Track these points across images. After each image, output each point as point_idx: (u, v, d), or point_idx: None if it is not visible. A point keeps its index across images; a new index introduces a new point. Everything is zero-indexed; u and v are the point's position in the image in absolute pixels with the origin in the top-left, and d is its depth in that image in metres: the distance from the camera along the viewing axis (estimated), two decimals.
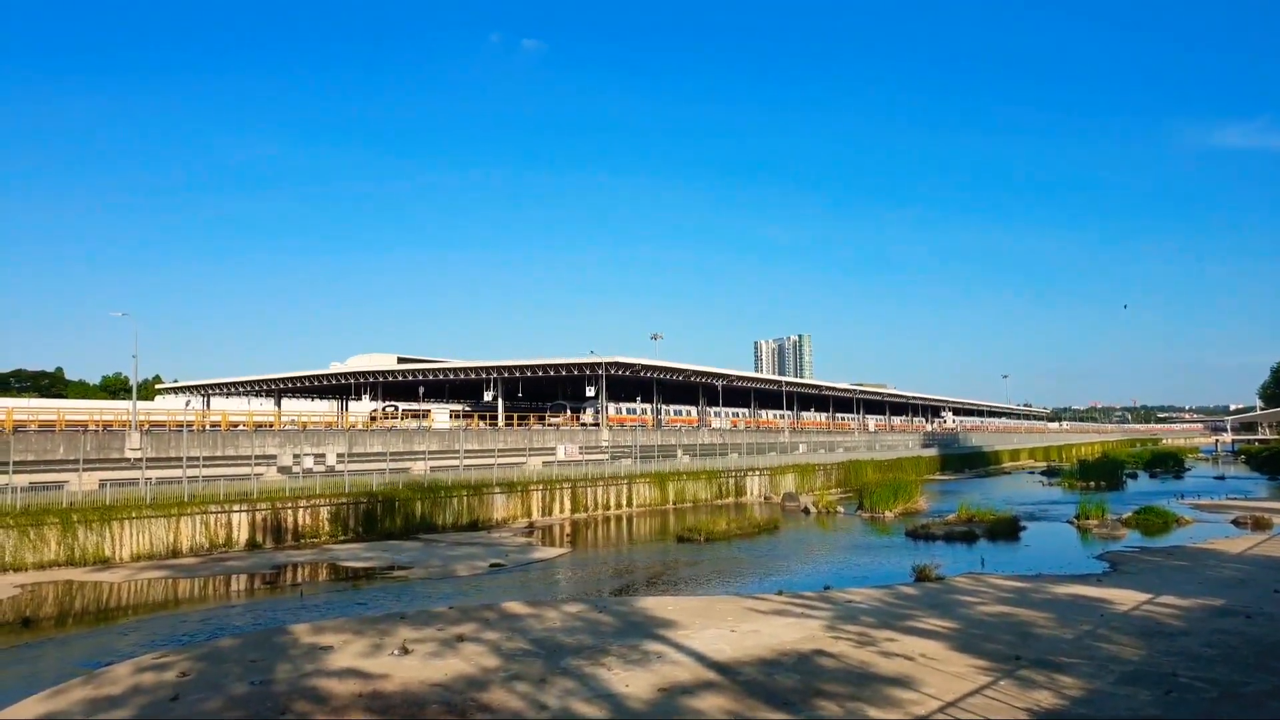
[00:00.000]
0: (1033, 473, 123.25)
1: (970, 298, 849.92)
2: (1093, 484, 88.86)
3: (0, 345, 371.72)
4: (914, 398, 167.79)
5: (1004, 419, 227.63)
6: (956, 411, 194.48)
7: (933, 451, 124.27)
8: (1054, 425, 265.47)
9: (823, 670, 18.85)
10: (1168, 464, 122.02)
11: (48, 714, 17.13)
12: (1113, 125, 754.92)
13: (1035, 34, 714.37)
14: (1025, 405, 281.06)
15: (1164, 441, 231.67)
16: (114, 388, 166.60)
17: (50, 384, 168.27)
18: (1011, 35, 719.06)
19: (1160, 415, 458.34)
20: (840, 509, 65.85)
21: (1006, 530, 50.57)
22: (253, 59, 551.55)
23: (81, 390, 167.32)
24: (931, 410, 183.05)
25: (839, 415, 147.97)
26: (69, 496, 41.46)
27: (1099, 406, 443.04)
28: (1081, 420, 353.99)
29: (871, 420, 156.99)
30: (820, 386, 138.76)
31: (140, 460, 50.16)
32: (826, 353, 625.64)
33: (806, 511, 65.82)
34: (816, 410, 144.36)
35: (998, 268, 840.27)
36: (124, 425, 55.34)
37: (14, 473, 43.70)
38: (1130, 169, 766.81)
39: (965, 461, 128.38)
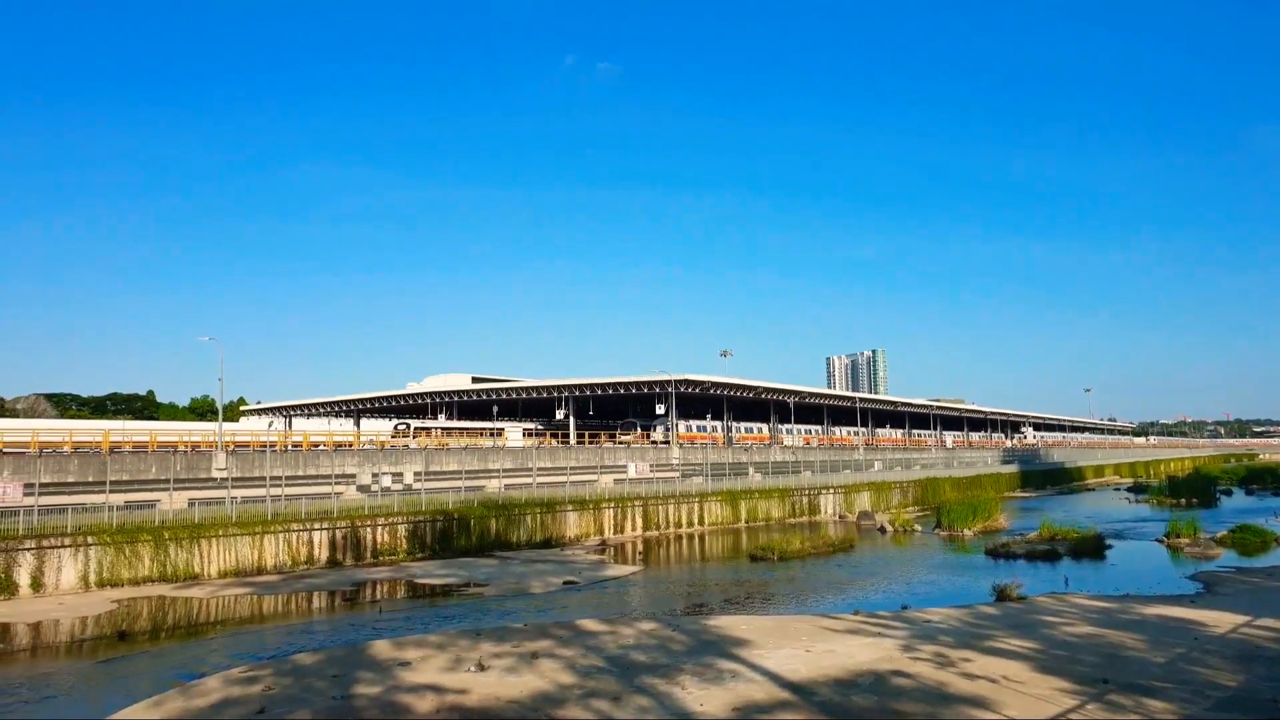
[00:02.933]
0: (1118, 489, 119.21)
1: (1050, 310, 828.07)
2: (1183, 501, 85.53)
3: (97, 370, 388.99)
4: (992, 413, 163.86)
5: (1087, 434, 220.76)
6: (1037, 426, 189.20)
7: (1012, 468, 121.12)
8: (1140, 440, 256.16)
9: (900, 691, 18.51)
10: (1265, 480, 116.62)
11: None
12: (1195, 133, 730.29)
13: (1110, 48, 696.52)
14: (1109, 419, 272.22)
15: (1261, 457, 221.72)
16: (201, 409, 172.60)
17: (142, 406, 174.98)
18: (1084, 50, 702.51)
19: (1256, 429, 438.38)
20: (917, 527, 64.62)
21: (1091, 549, 49.01)
22: (335, 86, 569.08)
23: (171, 412, 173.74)
24: (1011, 425, 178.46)
25: (915, 432, 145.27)
26: (160, 515, 43.01)
27: (1189, 420, 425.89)
28: (1170, 435, 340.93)
29: (949, 436, 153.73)
30: (895, 402, 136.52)
31: (226, 480, 51.82)
32: (901, 368, 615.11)
33: (882, 530, 64.74)
34: (891, 427, 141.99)
35: (1078, 280, 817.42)
36: (211, 446, 57.30)
37: (110, 492, 45.60)
38: (1216, 174, 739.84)
39: (1046, 478, 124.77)
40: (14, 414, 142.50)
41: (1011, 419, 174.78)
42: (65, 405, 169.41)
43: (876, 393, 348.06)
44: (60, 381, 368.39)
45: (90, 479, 47.67)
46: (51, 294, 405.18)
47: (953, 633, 25.09)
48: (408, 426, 79.06)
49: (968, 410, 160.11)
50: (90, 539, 37.87)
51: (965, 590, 36.82)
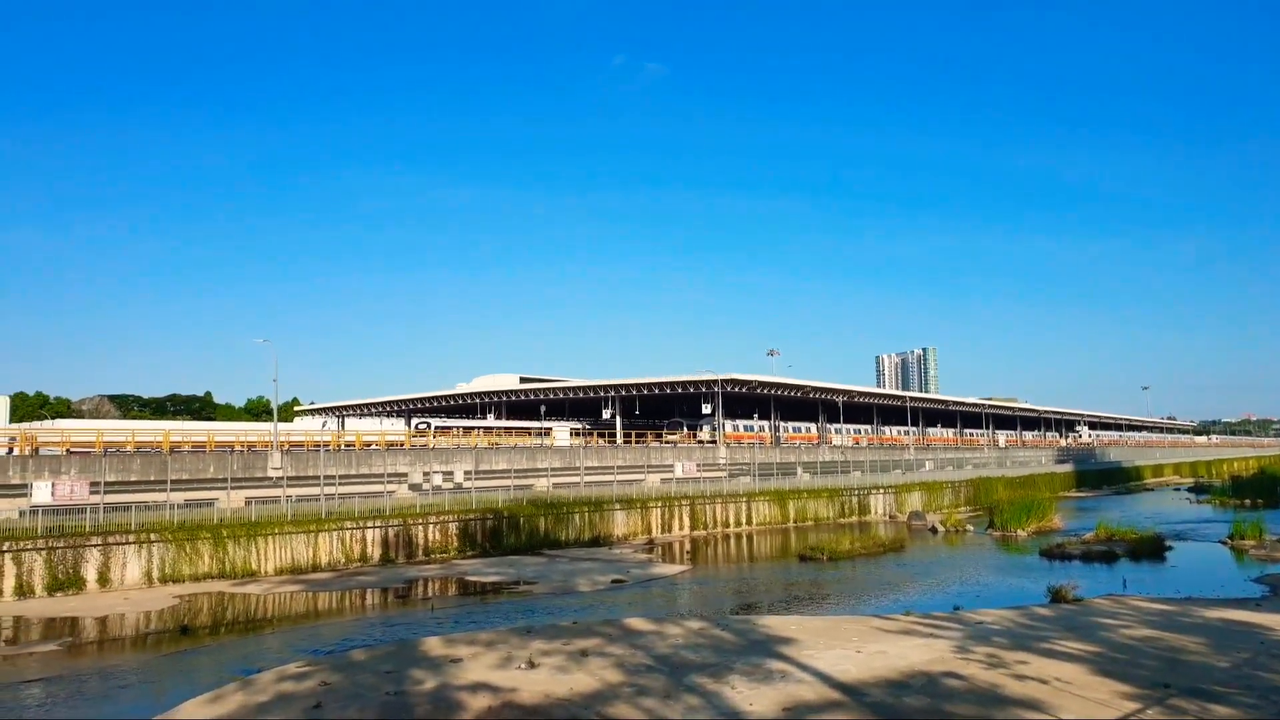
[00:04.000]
0: (1178, 489, 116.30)
1: (1106, 307, 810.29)
2: (1248, 502, 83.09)
3: (157, 372, 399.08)
4: (1046, 411, 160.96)
5: (1145, 433, 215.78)
6: (1092, 425, 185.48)
7: (1067, 467, 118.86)
8: (1201, 439, 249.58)
9: (952, 693, 18.30)
10: None
11: (209, 717, 18.24)
12: (1254, 126, 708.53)
13: (1160, 48, 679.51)
14: (1168, 418, 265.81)
15: None
16: (257, 410, 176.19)
17: (200, 407, 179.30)
18: (1138, 49, 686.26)
19: None
20: (969, 528, 63.76)
21: (1150, 550, 47.95)
22: (382, 88, 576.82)
23: (228, 413, 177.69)
24: (1065, 424, 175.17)
25: (967, 431, 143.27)
26: (219, 513, 44.04)
27: (1253, 419, 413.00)
28: (1233, 434, 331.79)
29: (1001, 436, 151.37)
30: (946, 401, 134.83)
31: (282, 479, 52.85)
32: (952, 366, 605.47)
33: (934, 530, 63.97)
34: (943, 426, 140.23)
35: (1136, 276, 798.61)
36: (266, 445, 58.47)
37: (171, 490, 46.79)
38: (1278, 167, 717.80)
39: (1103, 478, 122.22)
40: (80, 415, 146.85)
41: (1066, 418, 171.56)
42: (128, 406, 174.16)
43: (927, 391, 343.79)
44: (122, 383, 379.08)
45: (152, 478, 48.98)
46: (114, 298, 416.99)
47: (1006, 634, 24.73)
48: (428, 425, 79.73)
49: (1021, 409, 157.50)
50: (153, 536, 38.93)
51: (1019, 591, 36.26)
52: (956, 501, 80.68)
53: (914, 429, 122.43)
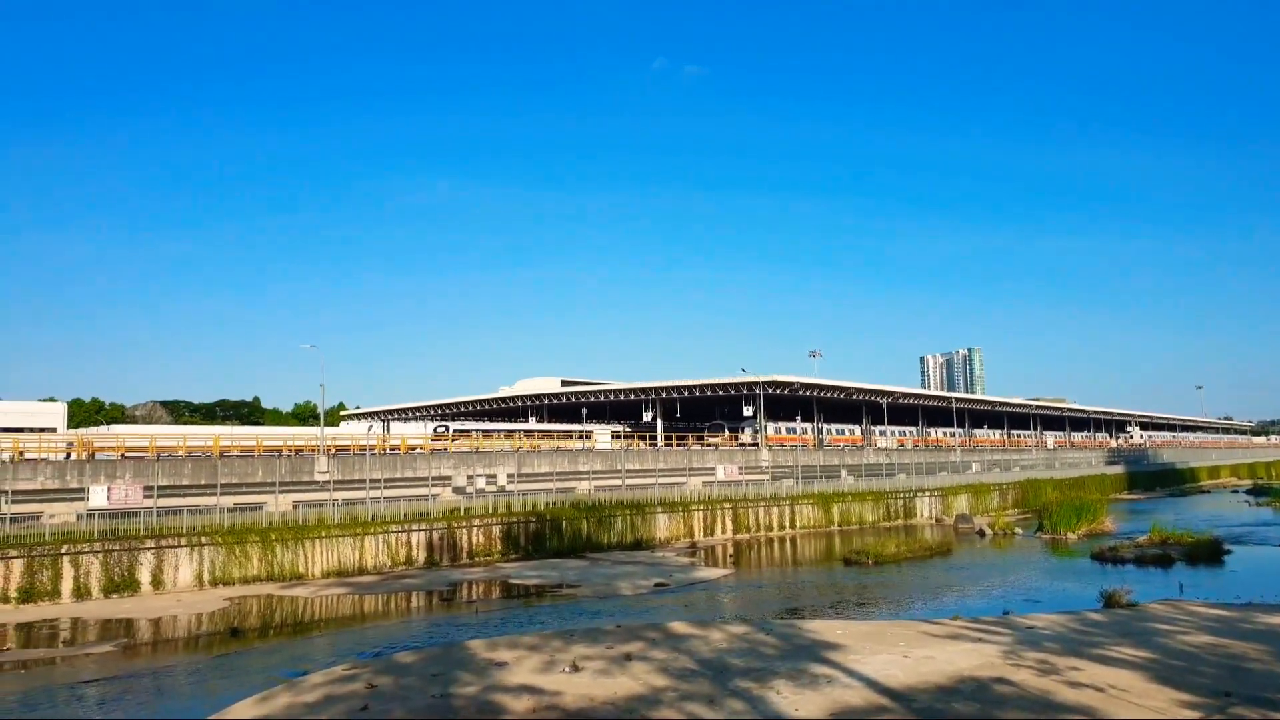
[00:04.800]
0: (1236, 491, 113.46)
1: (1156, 304, 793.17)
2: None
3: (207, 378, 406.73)
4: (1096, 412, 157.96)
5: (1199, 433, 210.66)
6: (1144, 426, 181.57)
7: (1119, 469, 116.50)
8: (1260, 439, 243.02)
9: (1003, 699, 17.95)
10: None
11: (258, 717, 18.48)
12: None
13: (1214, 47, 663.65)
14: (1224, 418, 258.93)
15: None
16: (304, 414, 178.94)
17: (249, 412, 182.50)
18: (1192, 46, 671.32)
19: None
20: (1018, 531, 62.72)
21: (1208, 553, 46.70)
22: (420, 91, 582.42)
23: (276, 417, 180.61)
24: (1116, 425, 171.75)
25: (1014, 432, 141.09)
26: (267, 517, 44.71)
27: None
28: None
29: (1050, 437, 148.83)
30: (993, 402, 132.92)
31: (328, 482, 53.55)
32: (998, 367, 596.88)
33: (981, 534, 63.03)
34: (989, 427, 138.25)
35: (1188, 273, 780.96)
36: (313, 450, 59.32)
37: (221, 494, 47.63)
38: None
39: (1156, 479, 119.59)
40: (133, 420, 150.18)
41: (1116, 418, 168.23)
42: (179, 412, 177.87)
43: (973, 392, 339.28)
44: (174, 389, 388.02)
45: (202, 482, 49.90)
46: (166, 306, 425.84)
47: (1058, 639, 24.22)
48: (446, 429, 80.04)
49: (1069, 409, 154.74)
50: (204, 539, 39.62)
51: (1070, 596, 35.55)
52: (1004, 504, 79.43)
53: (960, 430, 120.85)
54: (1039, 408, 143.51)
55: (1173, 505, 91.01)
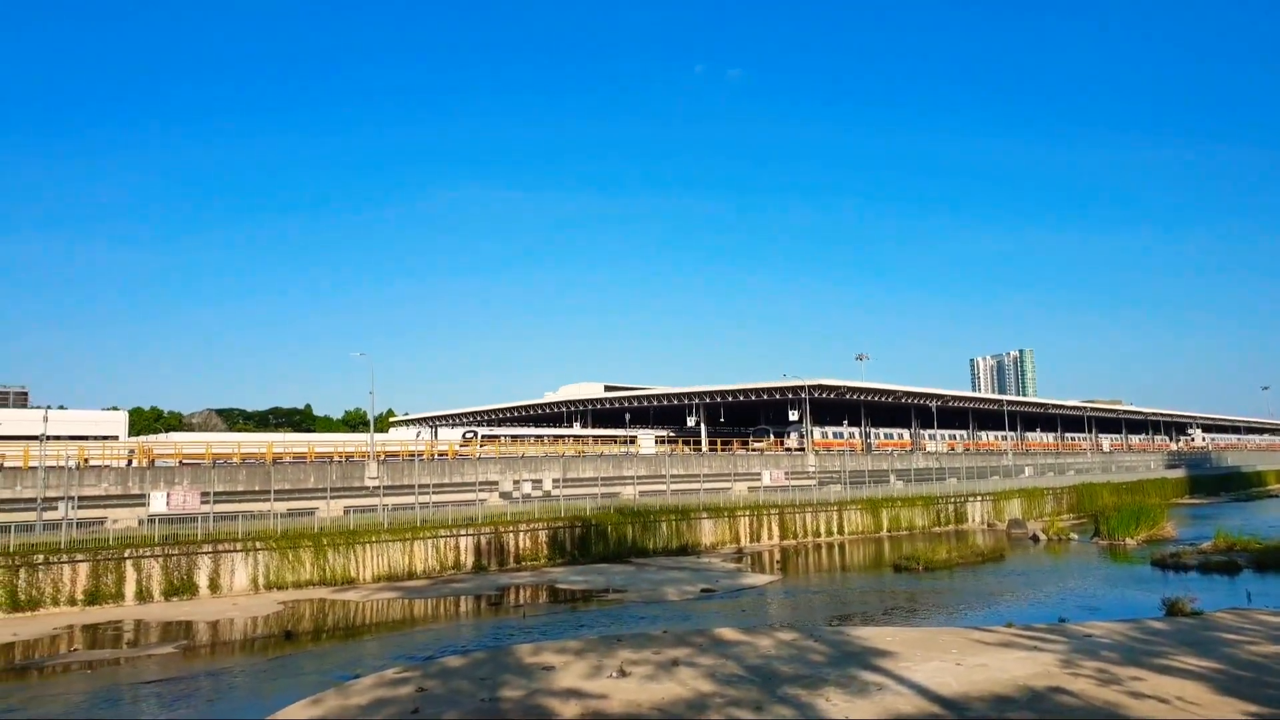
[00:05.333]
0: None
1: (1216, 302, 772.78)
2: None
3: (260, 386, 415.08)
4: (1154, 414, 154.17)
5: (1266, 435, 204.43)
6: (1205, 428, 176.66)
7: (1179, 472, 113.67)
8: None
9: (1061, 709, 17.57)
10: None
11: (311, 719, 18.76)
12: None
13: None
14: None
15: None
16: (354, 421, 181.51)
17: (301, 419, 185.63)
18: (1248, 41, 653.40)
19: None
20: (1073, 536, 61.45)
21: (1277, 561, 45.21)
22: (461, 99, 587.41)
23: (327, 425, 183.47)
24: (1175, 427, 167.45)
25: (1068, 435, 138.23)
26: (319, 522, 45.40)
27: None
28: None
29: (1105, 440, 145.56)
30: (1046, 405, 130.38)
31: (378, 488, 54.22)
32: (1051, 369, 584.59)
33: (1035, 539, 61.87)
34: (1042, 430, 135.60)
35: (1249, 270, 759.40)
36: (363, 456, 60.09)
37: (275, 500, 48.48)
38: None
39: (1219, 483, 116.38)
40: (189, 428, 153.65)
41: (1176, 420, 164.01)
42: (233, 419, 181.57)
43: (1025, 395, 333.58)
44: (228, 397, 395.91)
45: (256, 488, 50.79)
46: (221, 316, 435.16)
47: (1117, 648, 23.66)
48: (475, 434, 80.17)
49: (1126, 411, 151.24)
50: (259, 544, 40.36)
51: (1129, 603, 34.71)
52: (1058, 509, 77.88)
53: (1012, 434, 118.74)
54: (1094, 410, 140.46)
55: (1238, 510, 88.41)
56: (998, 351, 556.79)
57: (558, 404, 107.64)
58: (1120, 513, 61.70)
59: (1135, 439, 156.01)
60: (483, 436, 79.01)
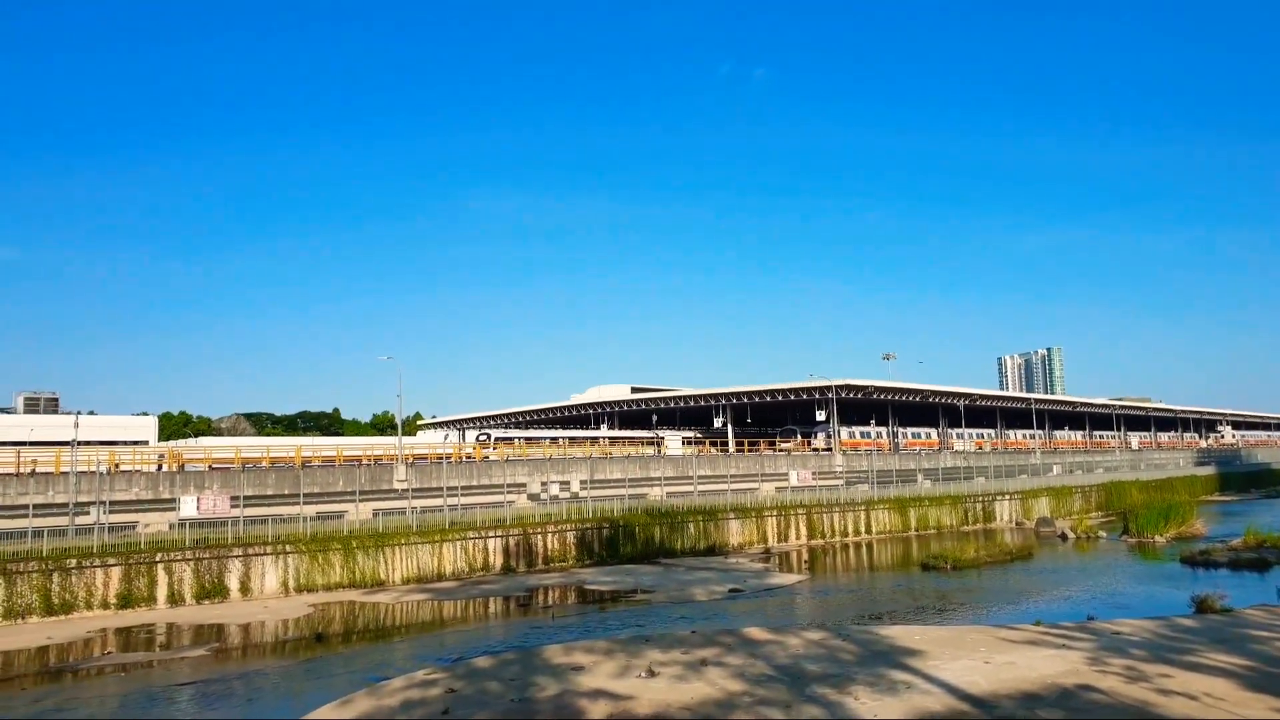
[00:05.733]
0: None
1: (1247, 300, 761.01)
2: None
3: (288, 390, 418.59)
4: (1183, 411, 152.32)
5: None
6: (1236, 425, 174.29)
7: (1209, 470, 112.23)
8: None
9: (1091, 707, 17.52)
10: None
11: None
12: None
13: None
14: None
15: None
16: (382, 425, 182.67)
17: (329, 423, 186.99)
18: None
19: None
20: (1102, 534, 60.91)
21: None
22: (488, 102, 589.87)
23: (355, 428, 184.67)
24: (1205, 425, 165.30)
25: (1096, 433, 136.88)
26: (348, 525, 45.84)
27: None
28: None
29: (1134, 438, 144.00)
30: (1074, 403, 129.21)
31: (407, 490, 54.67)
32: (1079, 367, 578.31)
33: (1063, 537, 61.38)
34: (1070, 428, 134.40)
35: (1279, 266, 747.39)
36: (392, 459, 60.60)
37: (304, 503, 49.02)
38: None
39: (1250, 480, 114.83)
40: (219, 432, 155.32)
41: (1206, 417, 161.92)
42: (262, 423, 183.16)
43: (1053, 393, 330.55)
44: (257, 402, 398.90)
45: (286, 491, 51.37)
46: (249, 321, 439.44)
47: (1145, 646, 23.51)
48: (488, 437, 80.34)
49: (1155, 409, 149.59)
50: (288, 547, 40.84)
51: (1158, 601, 34.42)
52: (1087, 507, 77.22)
53: (1040, 432, 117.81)
54: (1122, 408, 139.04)
55: (1270, 507, 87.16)
56: (1025, 350, 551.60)
57: (585, 406, 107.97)
58: (1149, 510, 61.13)
59: (1164, 436, 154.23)
60: (496, 439, 79.28)
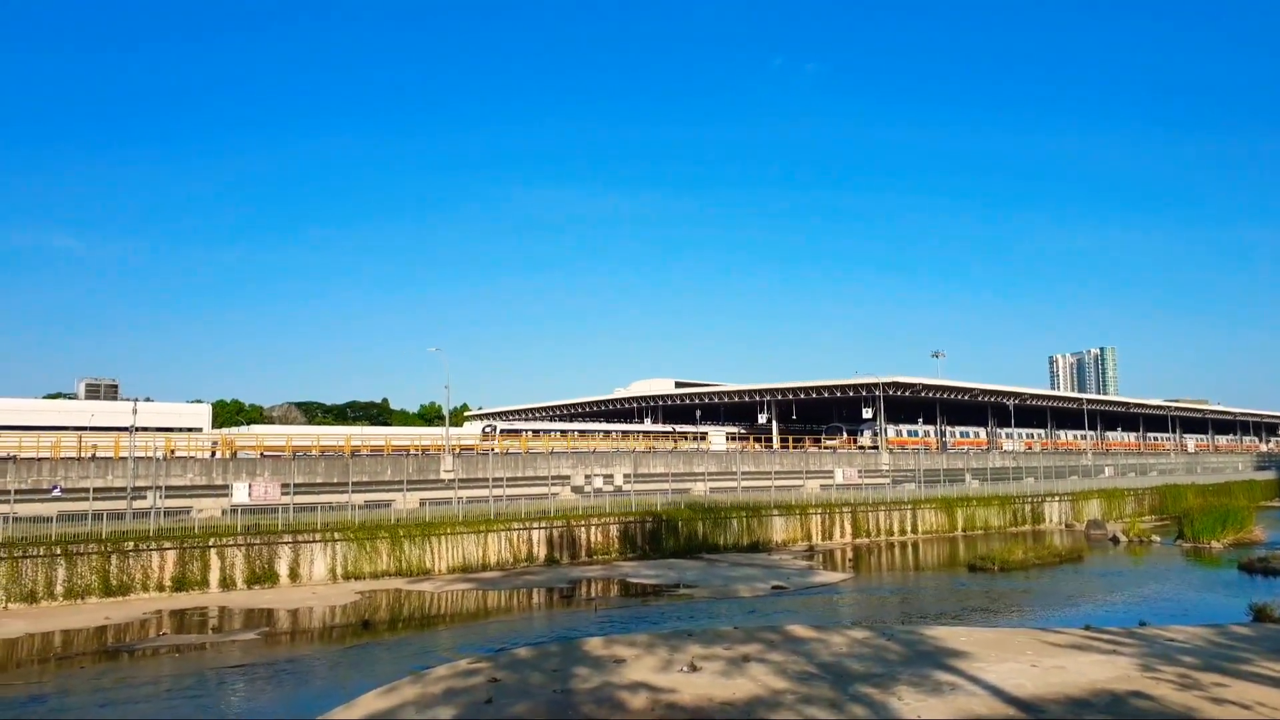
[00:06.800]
0: None
1: None
2: None
3: (338, 380, 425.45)
4: (1242, 414, 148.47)
5: None
6: None
7: (1270, 474, 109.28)
8: None
9: (1141, 714, 17.17)
10: None
11: (386, 708, 19.31)
12: None
13: None
14: None
15: None
16: (430, 415, 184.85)
17: (378, 413, 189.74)
18: None
19: None
20: (1155, 538, 59.64)
21: None
22: (538, 98, 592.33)
23: (403, 418, 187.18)
24: (1265, 428, 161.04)
25: (1150, 435, 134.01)
26: (395, 514, 46.51)
27: None
28: None
29: (1190, 440, 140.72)
30: (1127, 403, 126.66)
31: (453, 481, 55.32)
32: (1133, 367, 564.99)
33: (1115, 540, 60.21)
34: (1123, 430, 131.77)
35: None
36: (439, 449, 61.35)
37: (352, 492, 49.80)
38: None
39: None
40: (270, 420, 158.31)
41: (1266, 420, 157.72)
42: (312, 413, 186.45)
43: (1106, 393, 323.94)
44: (307, 391, 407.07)
45: (335, 480, 52.31)
46: (300, 311, 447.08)
47: (1199, 654, 22.96)
48: (493, 429, 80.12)
49: (1212, 411, 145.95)
50: (337, 535, 41.55)
51: (1213, 608, 33.61)
52: (1140, 510, 75.62)
53: (1091, 433, 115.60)
54: (1178, 409, 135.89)
55: None
56: (1078, 349, 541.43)
57: (628, 400, 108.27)
58: (1205, 515, 59.69)
59: (1222, 439, 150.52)
60: (501, 431, 78.95)
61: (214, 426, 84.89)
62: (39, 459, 48.00)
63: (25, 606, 34.32)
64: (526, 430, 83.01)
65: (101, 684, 24.05)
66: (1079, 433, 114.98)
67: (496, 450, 62.44)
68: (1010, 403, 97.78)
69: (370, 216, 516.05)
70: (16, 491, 43.53)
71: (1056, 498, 72.24)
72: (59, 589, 35.35)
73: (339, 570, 41.12)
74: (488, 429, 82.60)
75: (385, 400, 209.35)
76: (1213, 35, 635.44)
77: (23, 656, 27.75)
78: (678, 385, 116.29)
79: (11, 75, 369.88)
